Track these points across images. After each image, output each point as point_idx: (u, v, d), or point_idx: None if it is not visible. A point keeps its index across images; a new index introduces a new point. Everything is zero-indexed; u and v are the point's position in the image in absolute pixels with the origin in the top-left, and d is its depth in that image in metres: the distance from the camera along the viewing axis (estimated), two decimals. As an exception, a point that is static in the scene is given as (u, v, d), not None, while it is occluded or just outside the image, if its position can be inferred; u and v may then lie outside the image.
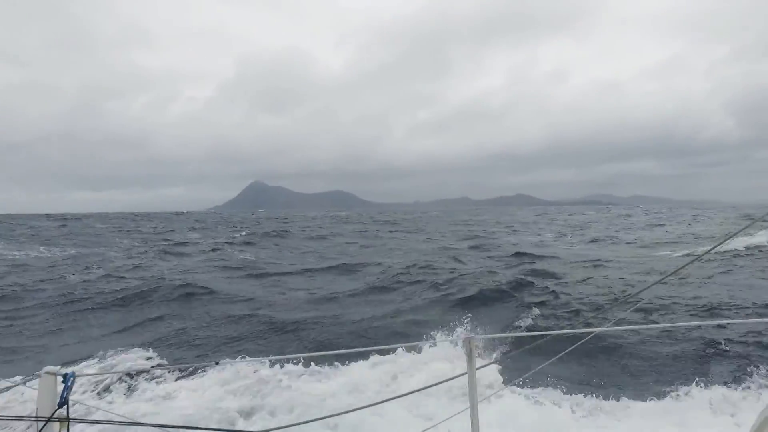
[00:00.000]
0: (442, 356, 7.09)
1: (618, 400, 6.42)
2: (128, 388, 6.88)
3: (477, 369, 2.97)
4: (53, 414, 2.63)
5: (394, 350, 7.26)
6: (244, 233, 42.78)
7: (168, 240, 36.11)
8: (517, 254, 22.60)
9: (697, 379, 6.79)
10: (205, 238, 38.18)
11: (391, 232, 45.80)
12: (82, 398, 6.36)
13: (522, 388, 6.47)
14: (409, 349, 7.28)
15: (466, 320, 9.48)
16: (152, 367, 7.41)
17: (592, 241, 31.08)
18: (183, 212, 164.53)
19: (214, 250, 27.99)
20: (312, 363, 7.29)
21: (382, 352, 7.30)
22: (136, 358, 8.13)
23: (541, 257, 21.27)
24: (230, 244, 32.07)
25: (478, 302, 12.14)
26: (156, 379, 6.98)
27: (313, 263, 22.02)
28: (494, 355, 7.50)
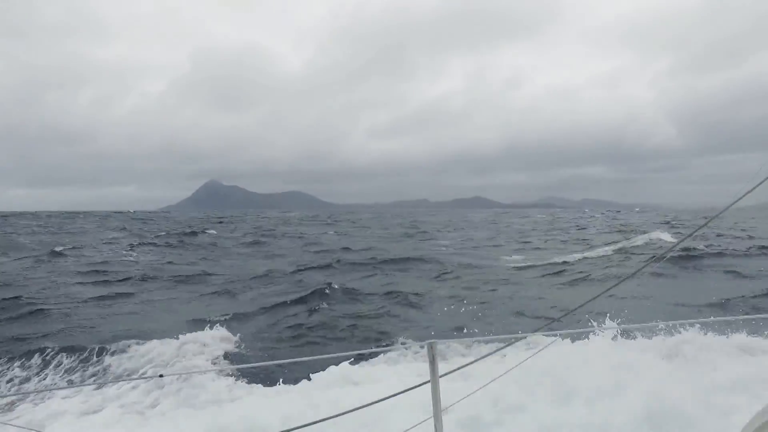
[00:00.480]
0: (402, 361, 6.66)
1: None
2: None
3: (440, 376, 2.76)
4: None
5: (347, 358, 6.72)
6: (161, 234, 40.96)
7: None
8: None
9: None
10: (113, 240, 36.01)
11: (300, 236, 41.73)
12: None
13: (488, 394, 6.11)
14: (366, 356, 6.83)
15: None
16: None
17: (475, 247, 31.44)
18: (130, 211, 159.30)
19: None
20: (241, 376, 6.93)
21: (335, 361, 6.80)
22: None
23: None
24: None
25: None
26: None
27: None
28: (457, 360, 7.14)
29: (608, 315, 8.93)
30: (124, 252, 26.78)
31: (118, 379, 7.13)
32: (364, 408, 3.16)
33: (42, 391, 6.68)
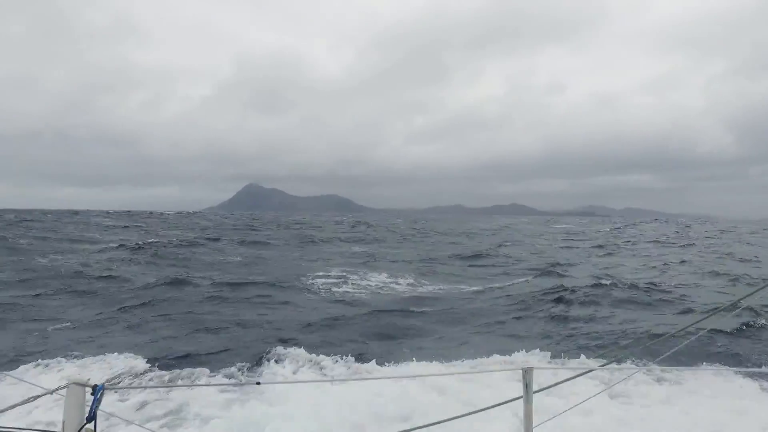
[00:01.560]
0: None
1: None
2: (162, 403, 6.55)
3: (535, 392, 2.80)
4: (81, 428, 2.53)
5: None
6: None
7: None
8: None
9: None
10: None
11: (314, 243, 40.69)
12: (112, 411, 6.00)
13: (581, 416, 6.16)
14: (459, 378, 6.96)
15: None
16: (190, 384, 7.04)
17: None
18: (191, 213, 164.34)
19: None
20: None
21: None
22: (167, 372, 7.74)
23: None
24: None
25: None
26: (191, 396, 6.61)
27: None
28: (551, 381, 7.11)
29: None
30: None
31: (210, 383, 7.14)
32: (454, 420, 3.28)
33: (143, 387, 6.81)
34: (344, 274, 20.70)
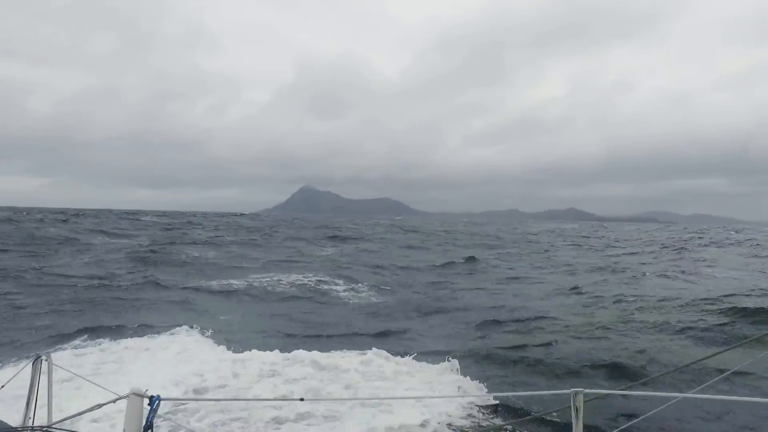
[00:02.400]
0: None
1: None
2: (215, 415, 6.65)
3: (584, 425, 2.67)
4: None
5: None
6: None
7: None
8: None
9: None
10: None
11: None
12: (165, 422, 6.23)
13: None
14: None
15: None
16: (244, 399, 7.19)
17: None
18: (244, 214, 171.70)
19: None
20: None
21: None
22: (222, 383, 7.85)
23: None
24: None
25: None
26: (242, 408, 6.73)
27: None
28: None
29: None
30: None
31: (257, 397, 7.19)
32: None
33: (192, 399, 6.87)
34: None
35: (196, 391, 7.30)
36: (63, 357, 9.12)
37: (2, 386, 3.52)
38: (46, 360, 2.95)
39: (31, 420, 2.82)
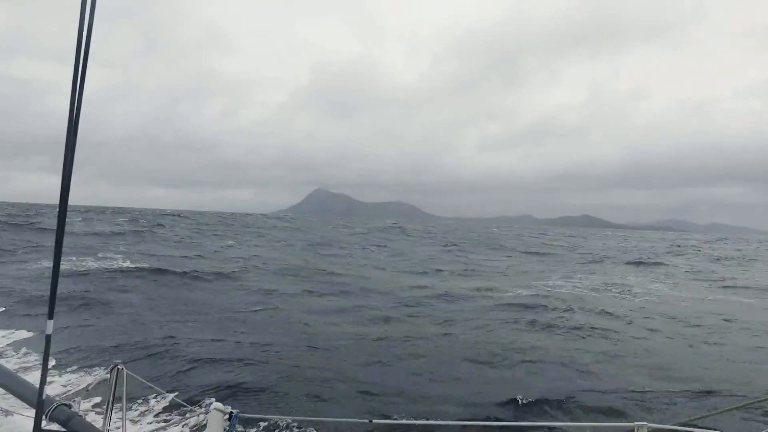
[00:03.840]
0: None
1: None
2: None
3: None
4: None
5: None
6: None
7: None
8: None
9: None
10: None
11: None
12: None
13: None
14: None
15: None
16: (314, 418, 6.98)
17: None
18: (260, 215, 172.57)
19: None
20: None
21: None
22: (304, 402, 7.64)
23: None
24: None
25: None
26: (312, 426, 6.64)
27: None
28: None
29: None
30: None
31: (326, 417, 6.94)
32: None
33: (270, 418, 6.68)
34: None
35: (273, 408, 7.43)
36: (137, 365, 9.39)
37: (85, 392, 4.00)
38: (122, 368, 2.94)
39: (108, 426, 2.86)
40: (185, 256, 27.55)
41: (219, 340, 10.69)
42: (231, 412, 2.86)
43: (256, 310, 14.05)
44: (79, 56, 1.81)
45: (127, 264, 22.21)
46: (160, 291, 16.59)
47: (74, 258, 23.35)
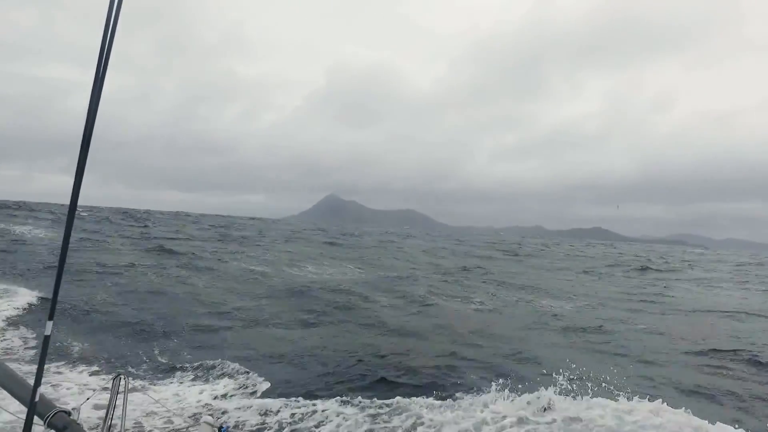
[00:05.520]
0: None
1: None
2: None
3: None
4: None
5: None
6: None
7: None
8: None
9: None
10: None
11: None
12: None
13: None
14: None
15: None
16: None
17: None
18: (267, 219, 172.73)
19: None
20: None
21: None
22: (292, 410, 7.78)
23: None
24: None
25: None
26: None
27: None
28: None
29: None
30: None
31: None
32: None
33: None
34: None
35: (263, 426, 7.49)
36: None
37: (86, 400, 3.87)
38: (124, 378, 2.95)
39: None
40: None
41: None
42: (220, 427, 2.83)
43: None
44: (101, 59, 1.82)
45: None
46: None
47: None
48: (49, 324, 2.02)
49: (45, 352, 2.04)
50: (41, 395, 2.26)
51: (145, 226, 57.15)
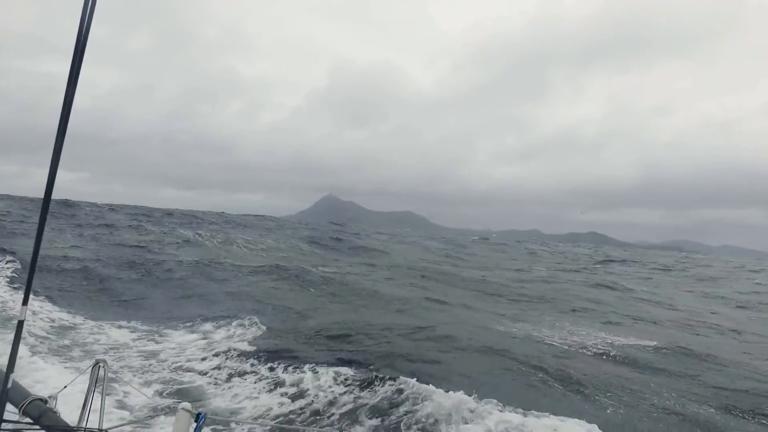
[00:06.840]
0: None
1: None
2: None
3: None
4: None
5: None
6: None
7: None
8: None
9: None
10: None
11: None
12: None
13: None
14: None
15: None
16: (288, 427, 6.78)
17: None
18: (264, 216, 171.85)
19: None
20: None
21: None
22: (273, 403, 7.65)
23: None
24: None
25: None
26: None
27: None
28: None
29: None
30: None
31: (305, 426, 6.76)
32: None
33: None
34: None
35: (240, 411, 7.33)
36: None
37: (63, 388, 3.71)
38: (103, 366, 2.91)
39: (85, 422, 2.83)
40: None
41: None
42: (198, 413, 2.82)
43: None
44: (77, 55, 1.77)
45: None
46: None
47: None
48: (24, 308, 2.02)
49: (19, 338, 2.02)
50: (14, 382, 2.20)
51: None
